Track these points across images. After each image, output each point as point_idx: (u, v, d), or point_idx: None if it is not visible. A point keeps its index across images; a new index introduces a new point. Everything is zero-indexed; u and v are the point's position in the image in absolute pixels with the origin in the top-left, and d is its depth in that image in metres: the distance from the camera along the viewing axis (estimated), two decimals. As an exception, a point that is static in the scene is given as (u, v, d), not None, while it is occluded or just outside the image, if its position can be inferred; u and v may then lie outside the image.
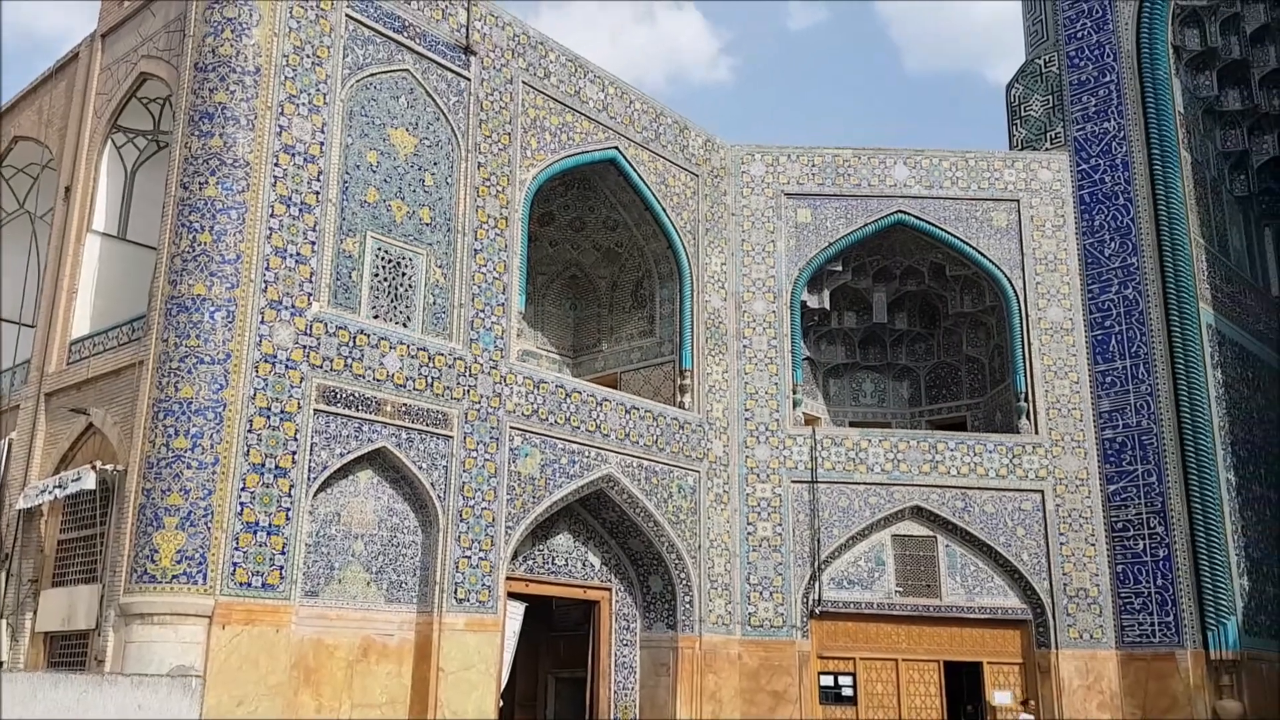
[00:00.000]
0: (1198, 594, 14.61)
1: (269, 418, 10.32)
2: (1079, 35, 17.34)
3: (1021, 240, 16.69)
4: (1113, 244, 16.31)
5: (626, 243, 16.24)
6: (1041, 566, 15.42)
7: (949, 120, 52.66)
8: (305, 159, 11.09)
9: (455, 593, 11.65)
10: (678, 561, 14.57)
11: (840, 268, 17.33)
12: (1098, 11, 17.16)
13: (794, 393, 16.29)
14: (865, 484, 15.83)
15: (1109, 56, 16.91)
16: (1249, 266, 18.61)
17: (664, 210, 15.56)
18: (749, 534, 15.48)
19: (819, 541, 15.49)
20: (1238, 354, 17.07)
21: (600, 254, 16.61)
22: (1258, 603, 15.65)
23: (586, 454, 13.63)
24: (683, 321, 15.68)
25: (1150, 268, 15.91)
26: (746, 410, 15.99)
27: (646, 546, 14.60)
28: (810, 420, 17.40)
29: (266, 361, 10.40)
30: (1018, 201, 16.84)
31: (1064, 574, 15.34)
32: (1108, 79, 16.86)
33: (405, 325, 11.91)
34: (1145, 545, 15.10)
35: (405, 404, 11.53)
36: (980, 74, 55.57)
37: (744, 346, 16.20)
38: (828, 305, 17.59)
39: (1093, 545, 15.44)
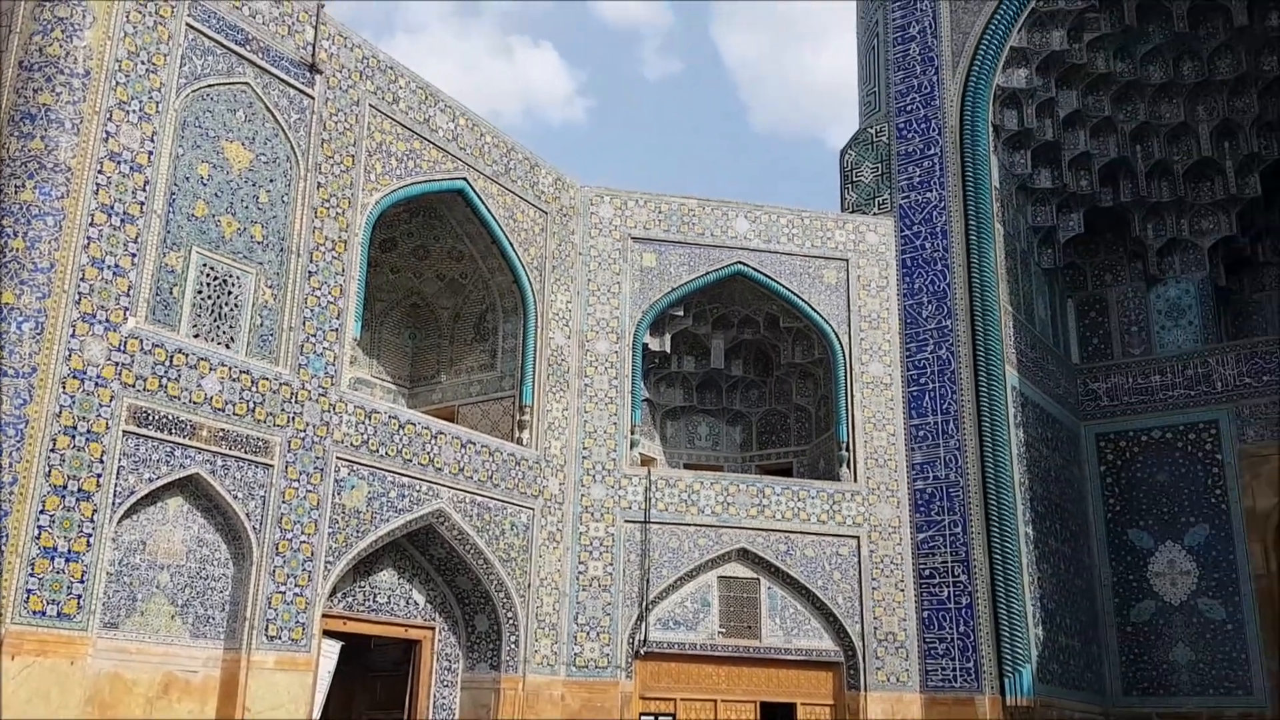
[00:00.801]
0: (996, 641, 15.52)
1: (74, 437, 9.73)
2: (908, 109, 18.48)
3: (849, 298, 17.53)
4: (930, 306, 17.33)
5: (471, 274, 16.17)
6: (855, 610, 16.07)
7: (790, 178, 54.86)
8: (132, 167, 10.61)
9: (266, 629, 11.20)
10: (506, 600, 14.46)
11: (682, 313, 17.74)
12: (926, 88, 18.34)
13: (632, 433, 16.49)
14: (696, 525, 16.15)
15: (934, 131, 18.08)
16: (1052, 335, 20.09)
17: (511, 245, 15.60)
18: (580, 573, 15.51)
19: (648, 582, 15.67)
20: (1039, 415, 18.36)
21: (444, 284, 16.47)
22: (1050, 652, 16.74)
23: (417, 488, 13.40)
24: (525, 357, 15.69)
25: (963, 331, 16.98)
26: (585, 449, 16.09)
27: (475, 584, 14.42)
28: (646, 461, 17.64)
29: (75, 377, 9.81)
30: (847, 261, 17.70)
31: (875, 618, 16.04)
32: (932, 151, 18.01)
33: (228, 346, 11.47)
34: (950, 592, 15.97)
35: (223, 429, 11.08)
36: (820, 137, 58.22)
37: (585, 385, 16.34)
38: (669, 349, 17.96)
39: (902, 591, 16.22)
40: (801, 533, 16.36)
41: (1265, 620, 18.03)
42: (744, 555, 16.26)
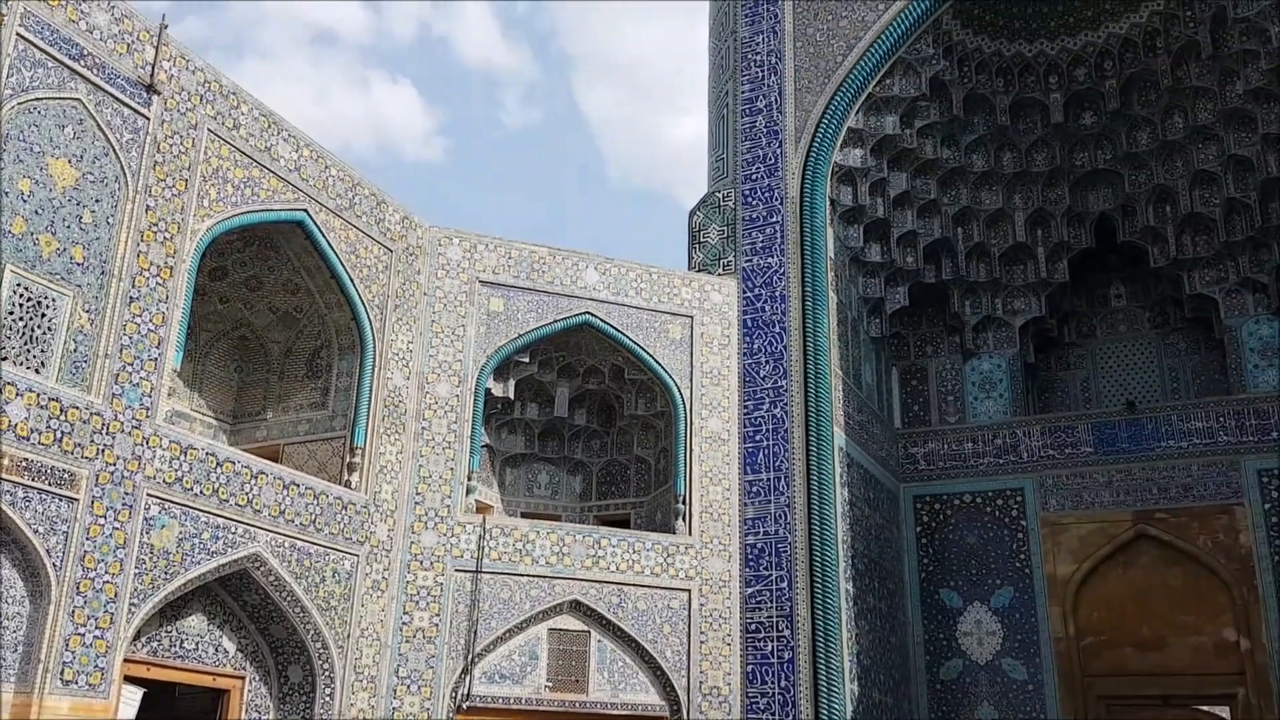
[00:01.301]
0: (814, 697, 15.93)
1: None
2: (753, 177, 19.21)
3: (692, 354, 17.93)
4: (767, 366, 17.92)
5: (307, 309, 15.70)
6: (682, 664, 16.20)
7: (642, 233, 55.89)
8: (-62, 175, 9.87)
9: (62, 673, 10.38)
10: (323, 651, 13.88)
11: (527, 359, 17.71)
12: (770, 159, 19.14)
13: (469, 479, 16.25)
14: (530, 576, 15.97)
15: (777, 200, 18.85)
16: (877, 400, 21.07)
17: (352, 281, 15.25)
18: (404, 624, 15.07)
19: (476, 634, 15.37)
20: (863, 476, 19.16)
21: (276, 317, 15.92)
22: (864, 708, 17.30)
23: (233, 530, 12.78)
24: (360, 397, 15.28)
25: (796, 392, 17.61)
26: (418, 494, 15.74)
27: (290, 633, 13.80)
28: (483, 508, 17.40)
29: None
30: (692, 318, 18.13)
31: (701, 672, 16.22)
32: (775, 219, 18.75)
33: (38, 371, 10.73)
34: (773, 647, 16.32)
35: (27, 459, 10.32)
36: (674, 195, 59.66)
37: (423, 428, 16.03)
38: (512, 395, 17.86)
39: (728, 645, 16.49)
40: (635, 585, 16.44)
41: (1062, 681, 19.16)
42: (576, 607, 16.18)
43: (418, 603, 15.26)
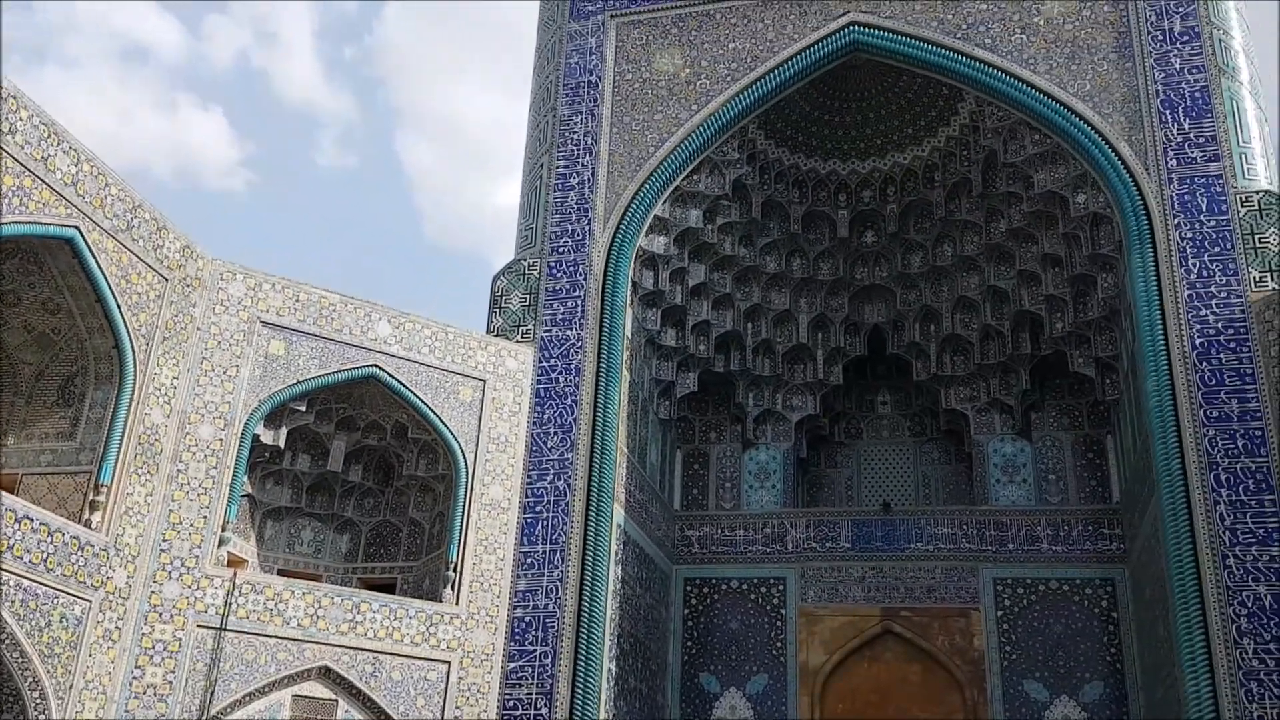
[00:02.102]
0: (568, 774, 15.72)
1: None
2: (560, 250, 19.47)
3: (481, 418, 17.72)
4: (555, 438, 17.95)
5: (66, 331, 14.46)
6: (436, 738, 15.62)
7: (450, 291, 55.23)
8: None
9: None
10: (40, 702, 12.50)
11: (304, 408, 16.96)
12: (579, 235, 19.47)
13: (224, 529, 15.26)
14: (279, 638, 15.08)
15: (581, 275, 19.15)
16: (660, 480, 21.49)
17: (119, 307, 14.20)
18: (135, 679, 13.83)
19: (213, 695, 14.27)
20: (638, 554, 19.38)
21: (31, 337, 14.58)
22: (618, 785, 17.21)
23: (-56, 564, 11.40)
24: (112, 431, 14.13)
25: (581, 465, 17.70)
26: (165, 541, 14.61)
27: (5, 679, 12.36)
28: (236, 562, 16.33)
29: None
30: (484, 382, 17.96)
31: (455, 747, 15.68)
32: (577, 294, 19.01)
33: None
34: (532, 724, 16.04)
35: None
36: (486, 258, 59.45)
37: (178, 471, 14.96)
38: (283, 444, 17.00)
39: (485, 720, 16.06)
40: (393, 654, 15.80)
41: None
42: (326, 674, 15.36)
43: (152, 657, 14.06)
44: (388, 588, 17.80)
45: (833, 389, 22.93)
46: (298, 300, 16.87)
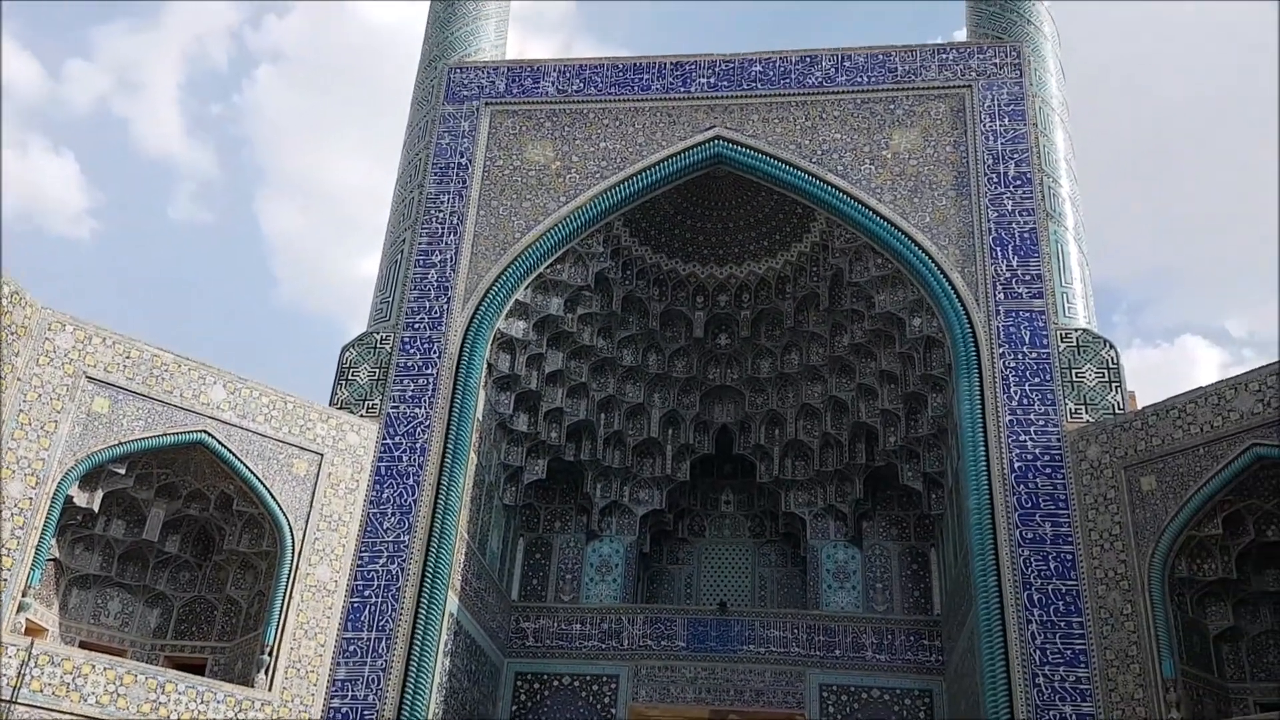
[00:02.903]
0: None
1: None
2: (416, 326, 19.28)
3: (315, 494, 17.13)
4: (393, 519, 17.49)
5: None
6: (231, 835, 14.63)
7: (299, 358, 53.64)
8: None
9: None
10: None
11: (124, 471, 16.07)
12: (436, 313, 19.35)
13: (24, 595, 14.19)
14: (74, 715, 14.01)
15: (435, 353, 18.97)
16: (499, 567, 21.13)
17: (-72, 351, 13.26)
18: (-106, 759, 12.53)
19: (-17, 780, 13.04)
20: (469, 646, 18.89)
21: None
22: None
23: None
24: (-96, 483, 13.05)
25: (418, 549, 17.25)
26: (-48, 605, 13.45)
27: None
28: (34, 630, 15.19)
29: None
30: (322, 456, 17.42)
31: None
32: (430, 371, 18.80)
33: None
34: (338, 821, 15.23)
35: None
36: (341, 328, 58.17)
37: (-25, 530, 13.87)
38: (97, 507, 16.02)
39: (288, 817, 15.16)
40: (197, 738, 14.81)
41: None
42: (121, 758, 14.28)
43: (-84, 738, 12.79)
44: (197, 668, 16.77)
45: (679, 485, 23.20)
46: (129, 357, 16.11)
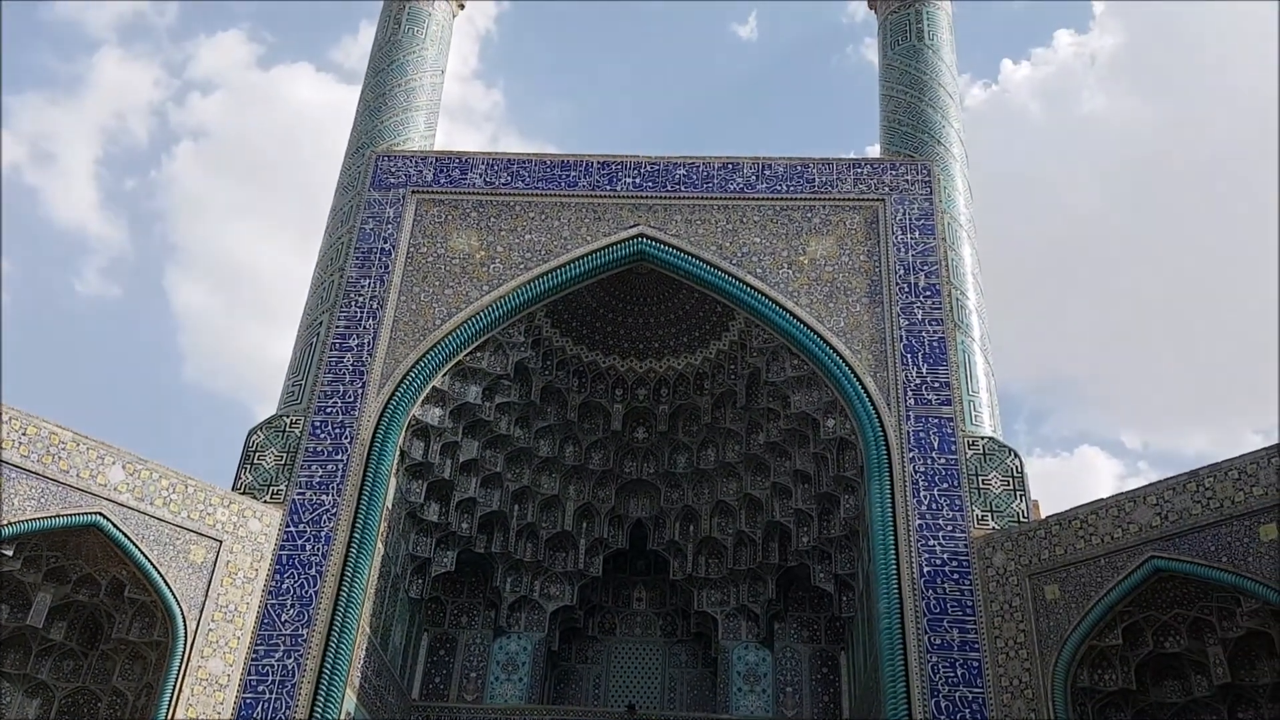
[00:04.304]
0: None
1: None
2: (328, 410, 18.91)
3: (211, 582, 16.46)
4: (292, 610, 16.85)
5: None
6: None
7: (203, 439, 52.00)
8: None
9: None
10: None
11: (11, 553, 15.29)
12: (350, 397, 19.03)
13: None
14: (-72, 819, 12.93)
15: (347, 439, 18.59)
16: (401, 664, 20.43)
17: None
18: None
19: None
20: (365, 745, 18.08)
21: None
22: None
23: None
24: None
25: (316, 645, 16.60)
26: None
27: None
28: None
29: None
30: (221, 542, 16.81)
31: None
32: (340, 457, 18.38)
33: None
34: None
35: None
36: (250, 409, 56.72)
37: None
38: (-25, 591, 15.13)
39: None
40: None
41: None
42: None
43: None
44: (72, 766, 15.76)
45: (591, 581, 22.87)
46: (24, 434, 15.46)
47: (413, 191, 21.43)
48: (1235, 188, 49.12)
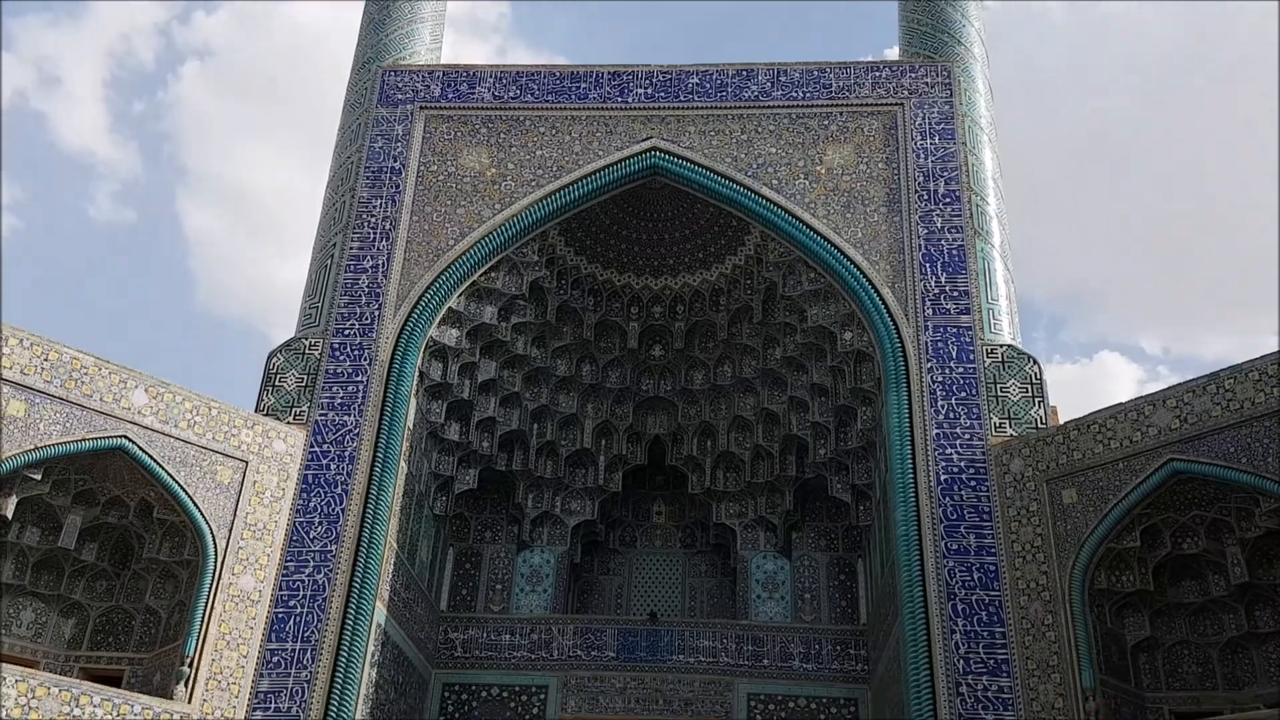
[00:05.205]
0: None
1: None
2: (345, 333, 18.98)
3: (239, 502, 16.73)
4: (320, 528, 17.15)
5: None
6: None
7: (221, 365, 52.39)
8: None
9: None
10: None
11: (40, 477, 15.53)
12: (367, 319, 19.07)
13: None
14: (-21, 731, 13.45)
15: (366, 360, 18.69)
16: (428, 577, 20.85)
17: None
18: None
19: (-121, 801, 12.44)
20: (396, 657, 18.59)
21: None
22: None
23: None
24: None
25: (345, 559, 16.94)
26: None
27: None
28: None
29: None
30: (247, 463, 17.03)
31: None
32: (360, 379, 18.50)
33: None
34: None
35: None
36: (264, 334, 56.96)
37: (-127, 539, 13.25)
38: (10, 514, 15.47)
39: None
40: (109, 754, 14.33)
41: None
42: (30, 775, 13.75)
43: None
44: (114, 680, 16.28)
45: (611, 496, 23.15)
46: (46, 359, 15.58)
47: (421, 107, 21.14)
48: (1260, 89, 47.96)
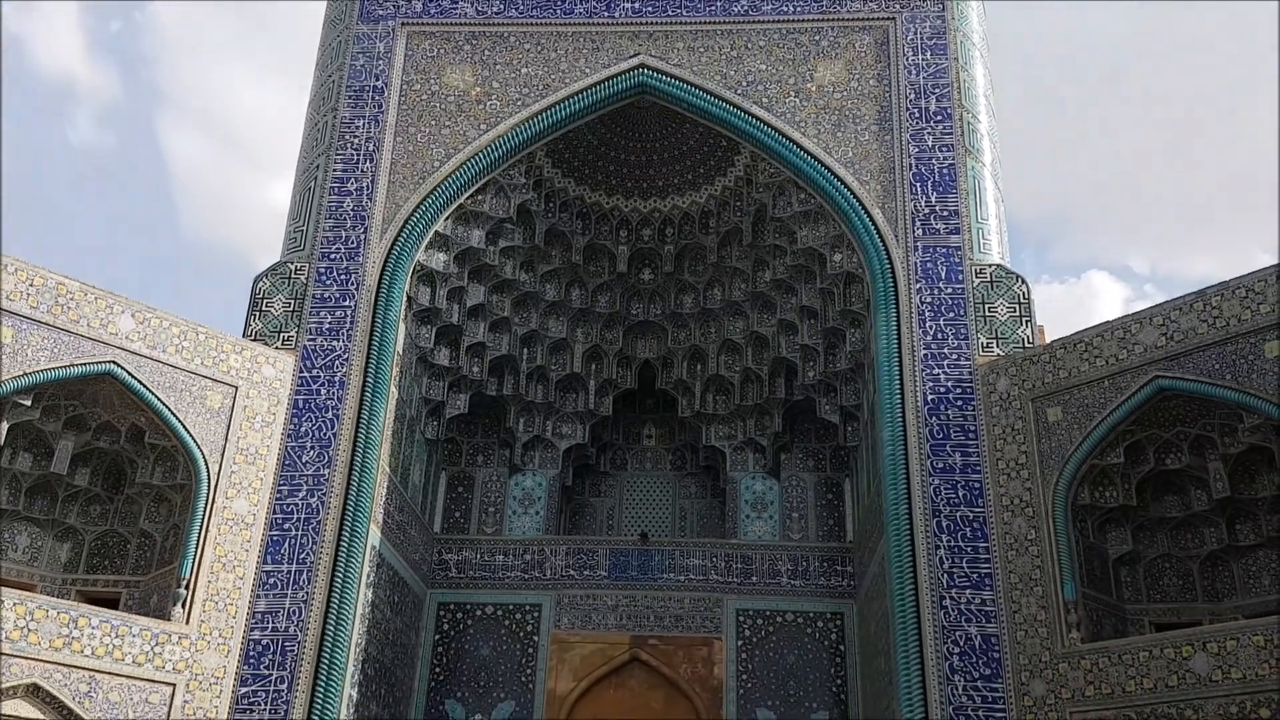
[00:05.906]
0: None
1: None
2: (332, 257, 18.82)
3: (230, 427, 16.77)
4: (312, 452, 17.23)
5: None
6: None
7: (205, 290, 52.05)
8: None
9: None
10: None
11: (29, 403, 15.52)
12: (353, 243, 18.91)
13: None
14: (-20, 653, 13.63)
15: (353, 285, 18.57)
16: (421, 501, 21.04)
17: None
18: None
19: (-115, 719, 12.67)
20: (391, 578, 18.86)
21: None
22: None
23: None
24: None
25: (338, 483, 17.07)
26: None
27: None
28: (-70, 568, 14.65)
29: None
30: (236, 388, 17.03)
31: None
32: (348, 304, 18.42)
33: None
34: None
35: None
36: (248, 259, 56.48)
37: None
38: (2, 440, 15.47)
39: (208, 748, 15.09)
40: (112, 674, 14.61)
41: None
42: (35, 693, 14.02)
43: None
44: (111, 603, 16.49)
45: (601, 420, 23.29)
46: (31, 285, 15.45)
47: (402, 24, 20.65)
48: (1250, 7, 47.23)
